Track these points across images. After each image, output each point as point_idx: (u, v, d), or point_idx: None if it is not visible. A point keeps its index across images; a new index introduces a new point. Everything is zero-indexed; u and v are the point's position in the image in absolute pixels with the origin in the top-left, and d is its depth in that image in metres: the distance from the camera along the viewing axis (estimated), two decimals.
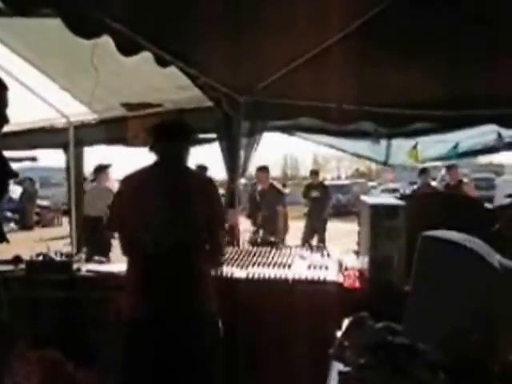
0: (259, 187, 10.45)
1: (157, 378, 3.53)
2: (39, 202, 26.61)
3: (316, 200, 12.70)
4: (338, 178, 62.25)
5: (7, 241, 3.40)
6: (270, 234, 7.30)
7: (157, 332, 3.48)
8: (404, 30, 4.46)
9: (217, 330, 3.74)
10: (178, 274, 3.55)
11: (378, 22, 4.37)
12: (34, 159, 15.13)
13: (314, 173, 13.70)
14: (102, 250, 7.39)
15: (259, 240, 6.33)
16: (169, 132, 3.83)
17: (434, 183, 12.52)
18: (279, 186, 10.56)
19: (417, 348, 2.34)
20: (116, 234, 4.41)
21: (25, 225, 24.22)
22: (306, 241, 11.76)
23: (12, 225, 23.23)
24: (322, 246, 6.04)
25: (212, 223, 3.75)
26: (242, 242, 5.82)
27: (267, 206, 9.97)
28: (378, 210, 4.44)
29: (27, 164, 16.75)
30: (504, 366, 2.20)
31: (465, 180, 12.29)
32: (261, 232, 7.41)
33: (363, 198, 5.24)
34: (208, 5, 3.92)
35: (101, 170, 10.47)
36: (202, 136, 7.06)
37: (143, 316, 3.53)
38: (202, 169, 10.24)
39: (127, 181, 3.77)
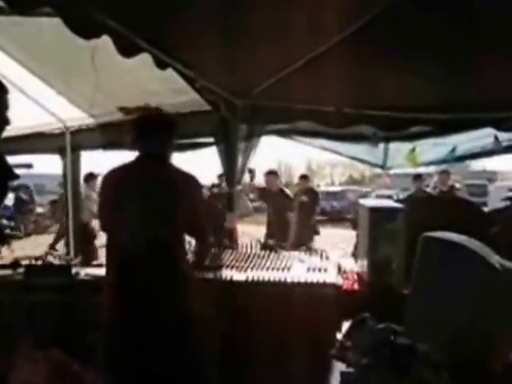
0: (268, 192, 10.27)
1: (136, 380, 3.46)
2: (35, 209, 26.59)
3: (304, 206, 12.08)
4: (332, 184, 62.31)
5: (8, 244, 3.39)
6: (280, 240, 7.29)
7: (135, 333, 3.43)
8: (402, 33, 4.46)
9: (197, 329, 3.62)
10: (156, 272, 3.47)
11: (375, 25, 4.37)
12: (29, 166, 15.13)
13: (303, 177, 12.65)
14: (89, 256, 7.43)
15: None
16: (150, 127, 3.75)
17: (428, 189, 12.49)
18: (288, 191, 10.39)
19: (418, 348, 2.34)
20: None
21: (21, 231, 24.12)
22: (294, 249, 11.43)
23: (8, 231, 23.13)
24: (321, 250, 6.02)
25: (192, 220, 3.67)
26: (240, 246, 5.79)
27: (276, 211, 9.87)
28: (377, 213, 4.45)
29: (22, 171, 16.73)
30: (505, 365, 2.20)
31: (457, 185, 12.31)
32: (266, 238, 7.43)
33: (362, 201, 5.25)
34: (206, 8, 3.92)
35: (91, 178, 10.88)
36: (199, 140, 7.07)
37: (120, 317, 3.48)
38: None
39: (107, 178, 3.73)
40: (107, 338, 3.53)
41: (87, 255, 7.94)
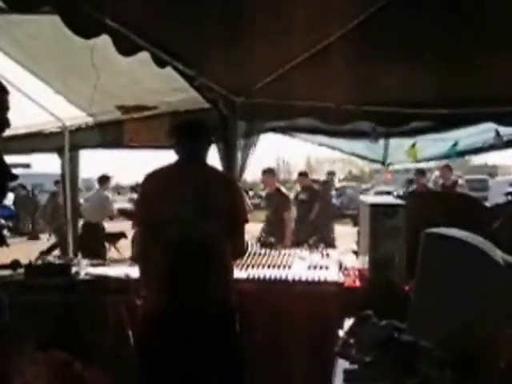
0: (265, 191, 10.31)
1: (178, 371, 3.63)
2: None
3: (303, 203, 11.94)
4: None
5: (7, 244, 3.39)
6: (276, 239, 7.29)
7: (179, 323, 3.60)
8: (402, 29, 4.45)
9: (235, 323, 3.83)
10: (202, 267, 3.67)
11: (374, 21, 4.36)
12: (27, 166, 15.18)
13: (302, 175, 12.79)
14: (98, 255, 7.41)
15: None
16: (190, 132, 4.00)
17: (429, 184, 12.48)
18: (285, 190, 10.36)
19: (421, 345, 2.33)
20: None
21: (19, 231, 24.13)
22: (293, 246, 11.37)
23: (5, 232, 23.12)
24: (321, 247, 6.01)
25: (234, 217, 3.89)
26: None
27: (273, 210, 9.86)
28: (377, 210, 4.43)
29: (20, 171, 16.75)
30: (509, 362, 2.19)
31: (459, 181, 12.29)
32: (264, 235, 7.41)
33: (363, 197, 5.24)
34: (205, 6, 3.91)
35: (105, 179, 11.45)
36: None
37: (166, 308, 3.64)
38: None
39: (150, 178, 3.91)
40: (152, 326, 3.71)
41: (98, 255, 7.92)
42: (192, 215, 3.65)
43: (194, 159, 3.91)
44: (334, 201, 33.95)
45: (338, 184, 43.81)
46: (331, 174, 14.19)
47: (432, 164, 12.35)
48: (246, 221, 4.07)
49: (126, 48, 3.81)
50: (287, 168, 71.49)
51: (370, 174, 59.16)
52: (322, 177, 14.57)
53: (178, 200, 3.69)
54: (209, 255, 3.70)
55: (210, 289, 3.69)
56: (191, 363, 3.62)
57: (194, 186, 3.71)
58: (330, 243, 10.01)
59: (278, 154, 66.06)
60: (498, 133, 7.16)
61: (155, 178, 3.90)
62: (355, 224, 6.08)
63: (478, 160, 41.98)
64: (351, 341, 2.64)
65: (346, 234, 12.15)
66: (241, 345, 3.83)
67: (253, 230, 9.68)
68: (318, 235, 11.11)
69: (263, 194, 12.63)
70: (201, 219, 3.67)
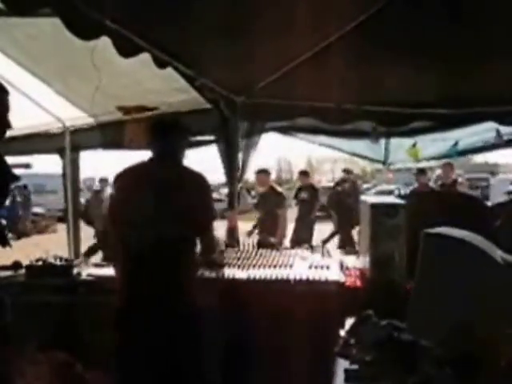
0: (259, 190, 10.30)
1: (150, 372, 3.64)
2: (34, 209, 26.59)
3: (304, 202, 11.93)
4: (333, 180, 62.07)
5: (10, 245, 3.40)
6: (269, 237, 7.28)
7: (147, 323, 3.59)
8: (402, 29, 4.46)
9: (198, 323, 3.79)
10: (163, 268, 3.63)
11: (375, 21, 4.38)
12: (28, 166, 15.11)
13: (303, 174, 12.76)
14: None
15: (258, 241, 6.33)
16: (163, 130, 3.95)
17: (430, 183, 12.47)
18: (279, 188, 10.36)
19: (422, 344, 2.34)
20: None
21: (19, 232, 24.10)
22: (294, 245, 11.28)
23: (7, 232, 23.07)
24: (322, 247, 6.01)
25: (202, 216, 3.86)
26: (242, 244, 5.80)
27: (267, 209, 9.85)
28: (378, 209, 4.43)
29: (21, 171, 16.66)
30: (509, 361, 2.19)
31: (459, 180, 12.29)
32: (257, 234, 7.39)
33: (363, 197, 5.24)
34: (206, 6, 3.92)
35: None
36: (199, 138, 7.05)
37: (133, 308, 3.67)
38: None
39: (120, 176, 3.91)
40: (120, 329, 3.73)
41: None
42: (157, 214, 3.64)
43: (166, 158, 3.88)
44: None
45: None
46: (348, 171, 13.87)
47: (433, 163, 12.33)
48: (214, 218, 4.04)
49: (126, 49, 3.83)
50: (288, 168, 71.37)
51: (371, 173, 59.03)
52: (323, 176, 14.54)
53: (143, 199, 3.67)
54: (174, 254, 3.69)
55: (177, 288, 3.68)
56: (160, 363, 3.63)
57: (160, 185, 3.70)
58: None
59: (279, 154, 65.87)
60: (498, 132, 7.18)
61: (125, 177, 3.91)
62: (357, 223, 6.12)
63: (479, 158, 41.96)
64: (352, 340, 2.65)
65: None
66: (201, 349, 3.81)
67: (246, 228, 9.73)
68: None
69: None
70: (165, 218, 3.66)
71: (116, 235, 3.86)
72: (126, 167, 3.90)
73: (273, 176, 11.16)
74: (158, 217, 3.64)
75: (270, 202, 9.75)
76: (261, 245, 6.02)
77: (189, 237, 3.80)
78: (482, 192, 25.21)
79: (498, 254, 2.57)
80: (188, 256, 3.82)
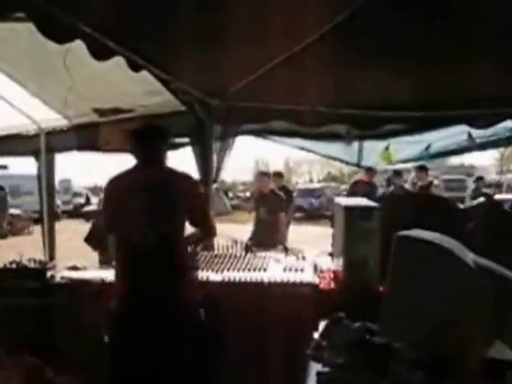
0: (260, 193, 10.18)
1: (146, 371, 3.72)
2: (10, 210, 26.37)
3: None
4: (310, 181, 62.18)
5: None
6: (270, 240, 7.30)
7: (143, 323, 3.71)
8: (376, 32, 4.48)
9: (199, 319, 4.00)
10: (162, 267, 3.79)
11: (348, 24, 4.37)
12: (4, 167, 15.02)
13: (277, 175, 11.84)
14: None
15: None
16: (144, 136, 4.09)
17: (406, 185, 12.55)
18: (280, 192, 10.29)
19: (394, 347, 2.36)
20: None
21: None
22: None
23: None
24: (297, 249, 6.02)
25: (197, 211, 4.05)
26: (216, 247, 5.80)
27: (268, 212, 9.80)
28: (352, 212, 4.46)
29: None
30: (479, 362, 2.22)
31: (435, 182, 12.37)
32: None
33: (337, 199, 5.26)
34: (180, 10, 3.91)
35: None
36: (174, 141, 7.03)
37: (130, 309, 3.81)
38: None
39: (111, 183, 4.05)
40: (116, 327, 3.90)
41: None
42: (150, 218, 3.77)
43: (151, 162, 3.99)
44: (313, 201, 34.10)
45: (317, 185, 43.62)
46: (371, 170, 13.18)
47: (409, 165, 12.41)
48: (207, 212, 4.28)
49: (100, 53, 3.82)
50: (266, 169, 71.17)
51: (349, 174, 59.22)
52: (301, 178, 14.46)
53: (135, 203, 3.79)
54: (168, 256, 3.84)
55: (173, 288, 3.82)
56: (157, 362, 3.69)
57: (150, 189, 3.82)
58: None
59: (256, 155, 65.74)
60: (470, 135, 7.24)
61: (116, 183, 4.04)
62: (333, 225, 6.14)
63: (455, 160, 42.23)
64: (324, 343, 2.67)
65: (324, 236, 12.13)
66: (208, 343, 4.03)
67: (231, 230, 9.69)
68: None
69: (242, 195, 12.48)
70: (159, 221, 3.79)
71: (113, 238, 4.06)
72: (115, 175, 4.04)
73: (250, 177, 11.12)
74: (151, 220, 3.78)
75: (270, 206, 9.72)
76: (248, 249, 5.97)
77: (179, 234, 3.97)
78: (459, 194, 25.34)
79: (470, 256, 2.59)
80: (184, 256, 4.03)
